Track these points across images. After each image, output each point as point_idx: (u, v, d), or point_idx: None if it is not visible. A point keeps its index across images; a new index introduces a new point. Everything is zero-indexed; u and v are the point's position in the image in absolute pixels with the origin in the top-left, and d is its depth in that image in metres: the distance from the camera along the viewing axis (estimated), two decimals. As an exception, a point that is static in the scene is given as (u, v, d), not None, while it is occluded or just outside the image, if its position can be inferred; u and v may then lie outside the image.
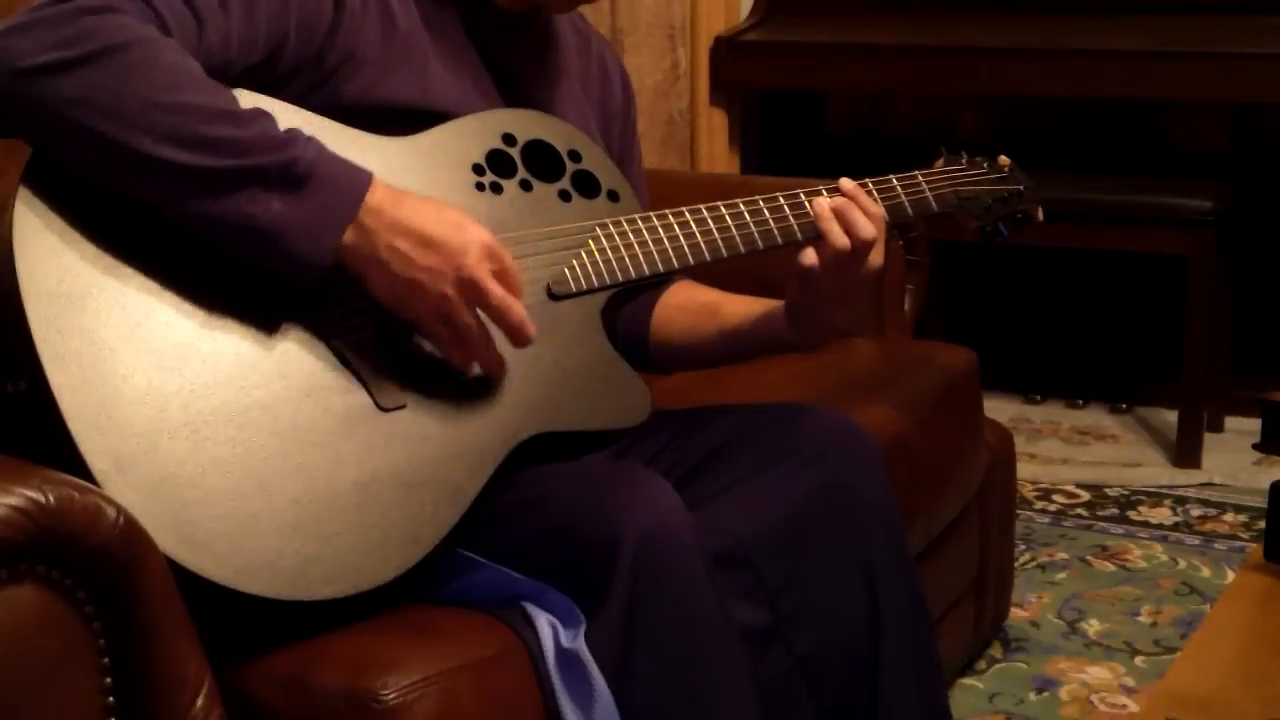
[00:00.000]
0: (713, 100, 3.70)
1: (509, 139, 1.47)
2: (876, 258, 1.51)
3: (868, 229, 1.49)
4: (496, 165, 1.46)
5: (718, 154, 3.72)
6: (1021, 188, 1.72)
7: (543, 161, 1.49)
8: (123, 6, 1.24)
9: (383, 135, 1.39)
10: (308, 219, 1.25)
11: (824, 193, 1.52)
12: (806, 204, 1.53)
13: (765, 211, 1.53)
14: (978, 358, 2.23)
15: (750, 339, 1.63)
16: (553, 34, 1.61)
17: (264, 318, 1.29)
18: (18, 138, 1.25)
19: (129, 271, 1.24)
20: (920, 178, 1.64)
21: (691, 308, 1.68)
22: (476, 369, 1.36)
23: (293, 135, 1.27)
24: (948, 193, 1.66)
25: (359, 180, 1.28)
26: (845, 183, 1.53)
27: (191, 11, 1.29)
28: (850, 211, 1.50)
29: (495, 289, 1.31)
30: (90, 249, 1.23)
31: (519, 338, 1.34)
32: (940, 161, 1.69)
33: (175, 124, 1.22)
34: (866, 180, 1.59)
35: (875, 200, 1.55)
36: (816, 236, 1.51)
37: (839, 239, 1.49)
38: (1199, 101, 3.34)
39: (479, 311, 1.32)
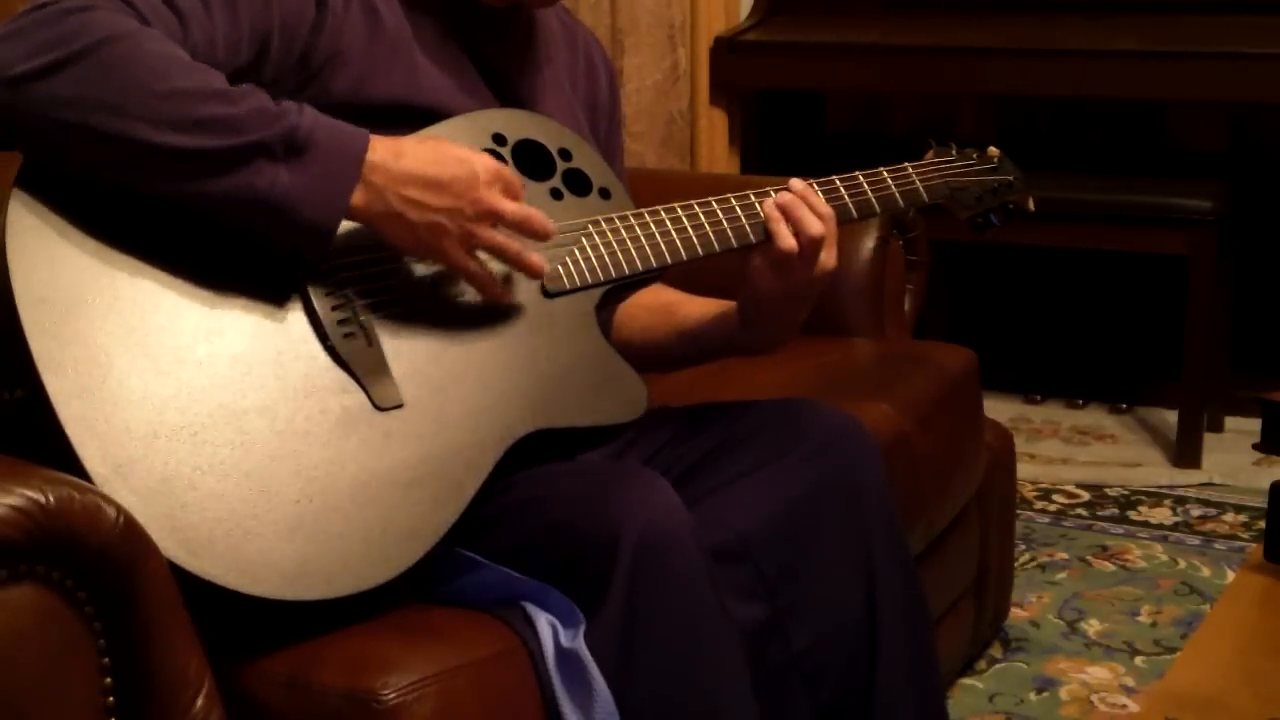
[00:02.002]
0: (713, 100, 3.70)
1: (499, 139, 1.48)
2: (828, 258, 1.51)
3: (815, 227, 1.49)
4: None
5: (718, 154, 3.72)
6: (1011, 178, 1.72)
7: (533, 160, 1.50)
8: (104, 5, 1.25)
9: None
10: (316, 185, 1.27)
11: (772, 193, 1.52)
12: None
13: (756, 205, 1.53)
14: (978, 358, 2.23)
15: (705, 340, 1.63)
16: (538, 29, 1.61)
17: (259, 320, 1.29)
18: (16, 148, 1.25)
19: (123, 276, 1.24)
20: (910, 169, 1.64)
21: (651, 308, 1.68)
22: (520, 298, 1.40)
23: (286, 106, 1.28)
24: (938, 184, 1.66)
25: (358, 140, 1.30)
26: (795, 183, 1.52)
27: (174, 12, 1.29)
28: (798, 209, 1.49)
29: (510, 206, 1.36)
30: (84, 255, 1.24)
31: (541, 237, 1.39)
32: (930, 154, 1.70)
33: (172, 110, 1.22)
34: (856, 173, 1.59)
35: (822, 199, 1.53)
36: None
37: (786, 240, 1.48)
38: (1198, 101, 3.34)
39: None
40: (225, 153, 1.24)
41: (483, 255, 1.37)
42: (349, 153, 1.29)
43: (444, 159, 1.33)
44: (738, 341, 1.60)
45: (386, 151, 1.31)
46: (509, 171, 1.38)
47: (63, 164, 1.25)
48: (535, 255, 1.39)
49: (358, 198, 1.29)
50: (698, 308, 1.65)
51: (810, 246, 1.49)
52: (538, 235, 1.39)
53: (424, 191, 1.31)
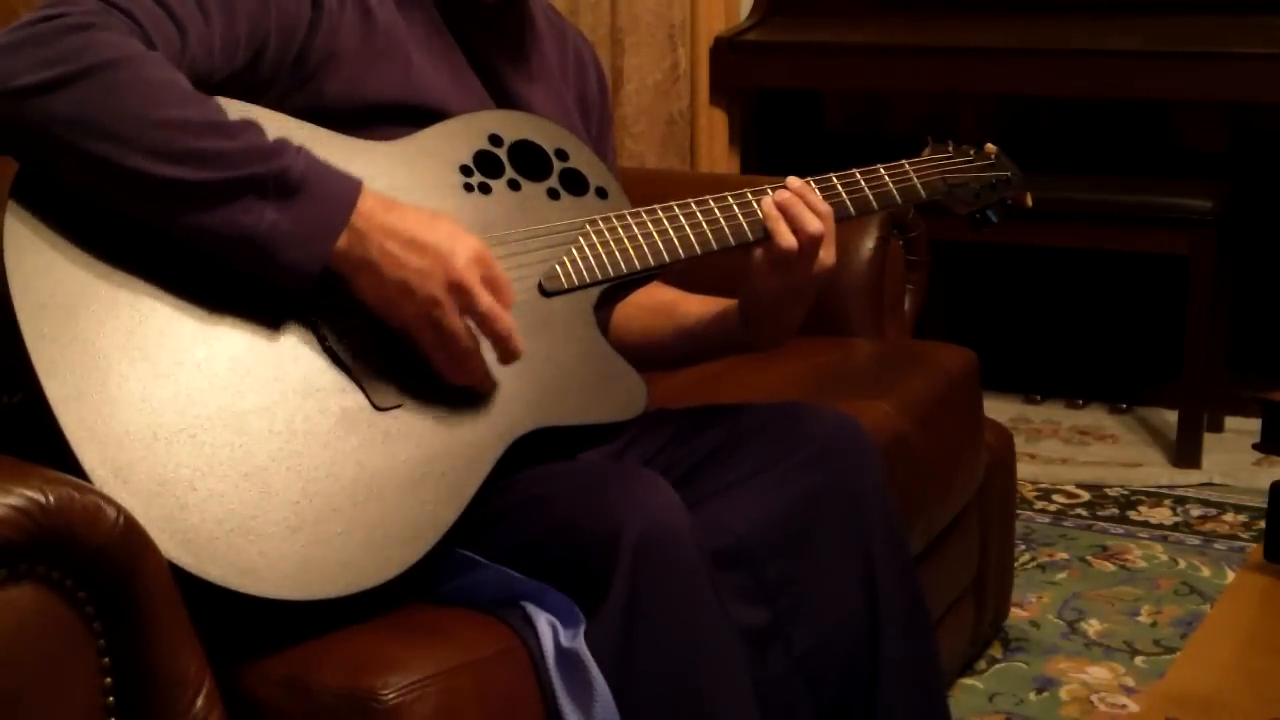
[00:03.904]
0: (713, 100, 3.70)
1: (495, 140, 1.48)
2: (827, 256, 1.51)
3: (814, 224, 1.49)
4: (484, 166, 1.46)
5: (718, 154, 3.72)
6: (1009, 174, 1.73)
7: (530, 161, 1.50)
8: (105, 22, 1.24)
9: (368, 139, 1.39)
10: (303, 227, 1.25)
11: (769, 192, 1.52)
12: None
13: (754, 204, 1.53)
14: (978, 358, 2.23)
15: (704, 339, 1.63)
16: (530, 25, 1.61)
17: (257, 322, 1.29)
18: (9, 155, 1.25)
19: (121, 279, 1.24)
20: (907, 166, 1.64)
21: (650, 306, 1.68)
22: (464, 379, 1.34)
23: (282, 145, 1.27)
24: (935, 180, 1.66)
25: (350, 186, 1.29)
26: (793, 181, 1.53)
27: (173, 21, 1.29)
28: (795, 207, 1.49)
29: (483, 294, 1.30)
30: (81, 258, 1.23)
31: (505, 349, 1.33)
32: (927, 150, 1.70)
33: (166, 139, 1.22)
34: (853, 171, 1.59)
35: (820, 197, 1.53)
36: None
37: (785, 238, 1.48)
38: (1199, 101, 3.34)
39: (468, 322, 1.31)
40: (215, 186, 1.23)
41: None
42: (340, 198, 1.28)
43: (435, 226, 1.30)
44: (738, 340, 1.60)
45: (377, 202, 1.29)
46: (499, 266, 1.33)
47: (56, 179, 1.24)
48: (484, 368, 1.33)
49: (341, 242, 1.27)
50: (697, 306, 1.65)
51: (809, 244, 1.49)
52: (501, 344, 1.32)
53: (402, 247, 1.28)
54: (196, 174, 1.22)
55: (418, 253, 1.29)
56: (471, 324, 1.31)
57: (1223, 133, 3.53)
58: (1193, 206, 3.12)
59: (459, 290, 1.30)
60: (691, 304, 1.67)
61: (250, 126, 1.27)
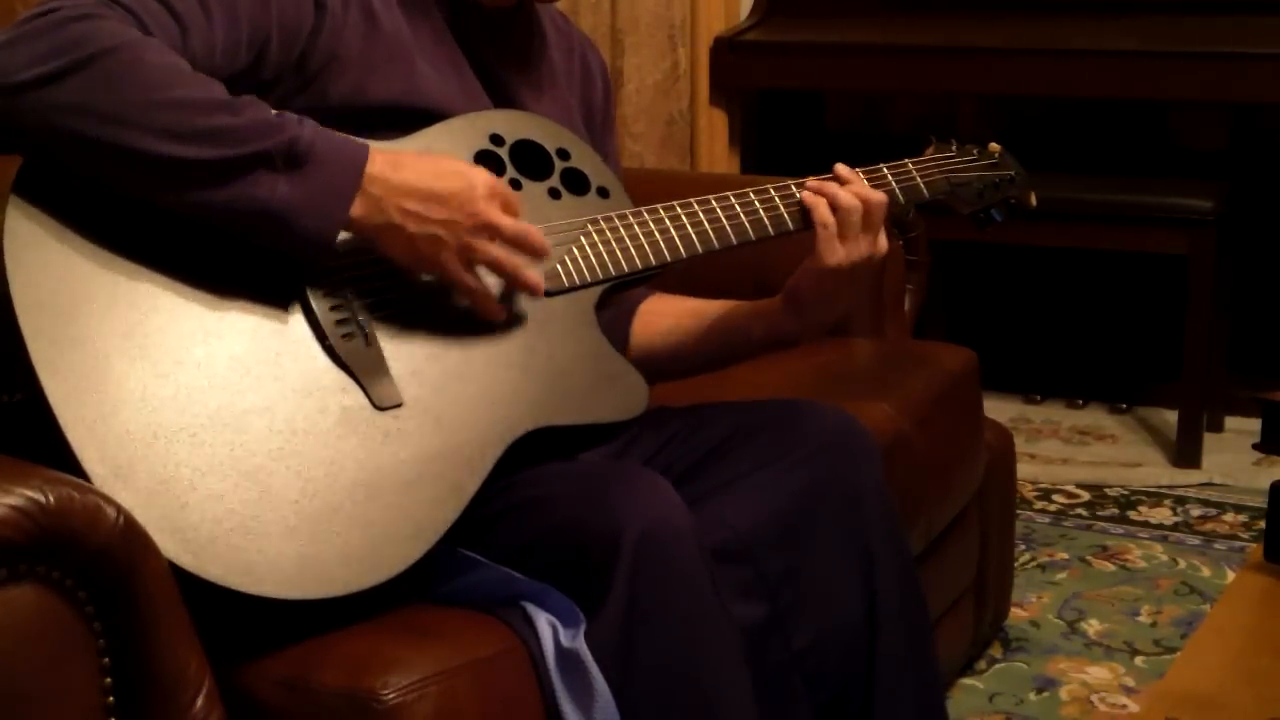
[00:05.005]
0: (713, 100, 3.70)
1: (497, 139, 1.48)
2: (883, 241, 1.54)
3: (877, 194, 1.54)
4: (485, 165, 1.46)
5: (718, 154, 3.72)
6: (1012, 173, 1.73)
7: (531, 160, 1.50)
8: (104, 13, 1.25)
9: (371, 139, 1.40)
10: (316, 196, 1.27)
11: (770, 190, 1.54)
12: (796, 193, 1.54)
13: (755, 202, 1.54)
14: (978, 358, 2.23)
15: (741, 335, 1.63)
16: (536, 31, 1.61)
17: (258, 320, 1.29)
18: (17, 153, 1.25)
19: (121, 279, 1.25)
20: (910, 166, 1.65)
21: (672, 313, 1.68)
22: (520, 303, 1.40)
23: (286, 117, 1.28)
24: (938, 179, 1.66)
25: (358, 151, 1.31)
26: (842, 168, 1.55)
27: (174, 18, 1.29)
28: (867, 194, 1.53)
29: (507, 222, 1.36)
30: (82, 258, 1.24)
31: (540, 255, 1.39)
32: (930, 150, 1.70)
33: (173, 120, 1.23)
34: (857, 170, 1.60)
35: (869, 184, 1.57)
36: (807, 226, 1.52)
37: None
38: (1199, 101, 3.34)
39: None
40: (226, 163, 1.24)
41: (480, 271, 1.37)
42: (349, 164, 1.29)
43: (443, 172, 1.34)
44: (785, 331, 1.61)
45: (385, 163, 1.31)
46: (506, 187, 1.38)
47: (65, 170, 1.25)
48: (533, 272, 1.38)
49: (357, 209, 1.30)
50: (725, 308, 1.65)
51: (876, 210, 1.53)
52: (534, 252, 1.38)
53: (422, 204, 1.31)
54: (206, 152, 1.23)
55: (438, 205, 1.32)
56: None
57: (1223, 133, 3.53)
58: (1192, 206, 3.12)
59: (486, 228, 1.34)
60: (717, 306, 1.67)
61: (254, 102, 1.28)
